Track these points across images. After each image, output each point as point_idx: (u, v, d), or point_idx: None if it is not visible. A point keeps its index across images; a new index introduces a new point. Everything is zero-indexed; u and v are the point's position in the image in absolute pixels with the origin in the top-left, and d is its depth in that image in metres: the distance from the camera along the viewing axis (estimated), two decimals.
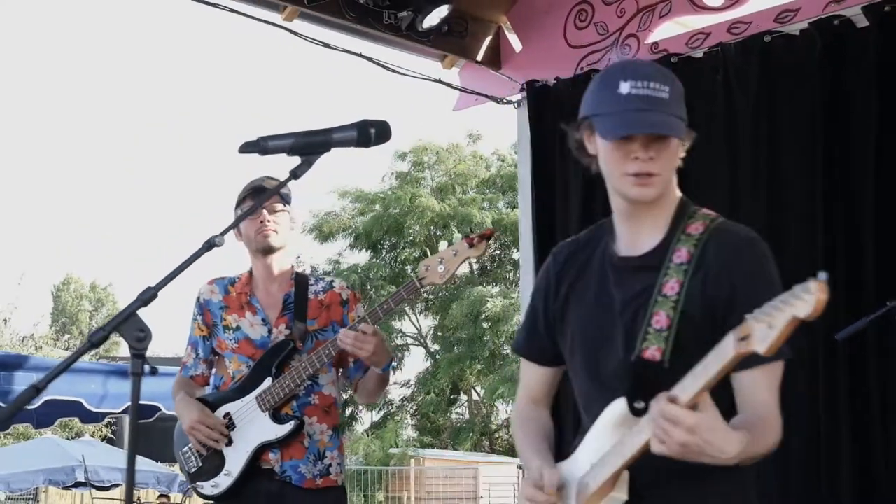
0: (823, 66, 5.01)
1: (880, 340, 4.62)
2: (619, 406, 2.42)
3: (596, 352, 2.55)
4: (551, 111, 5.99)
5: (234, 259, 4.32)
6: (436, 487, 23.65)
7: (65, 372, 2.29)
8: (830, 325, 3.95)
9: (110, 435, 22.70)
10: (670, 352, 2.39)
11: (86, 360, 12.39)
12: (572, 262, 2.70)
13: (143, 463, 15.91)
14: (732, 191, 5.28)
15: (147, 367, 3.42)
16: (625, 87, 2.46)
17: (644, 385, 2.36)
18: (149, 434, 9.73)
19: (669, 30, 5.75)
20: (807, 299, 1.98)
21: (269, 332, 4.09)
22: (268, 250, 4.09)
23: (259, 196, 3.96)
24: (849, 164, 4.95)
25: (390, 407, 27.94)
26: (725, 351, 2.13)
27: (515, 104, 6.28)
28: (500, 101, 6.34)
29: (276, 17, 5.57)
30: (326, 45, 5.75)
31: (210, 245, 2.33)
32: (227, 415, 4.05)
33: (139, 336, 2.21)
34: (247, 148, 2.54)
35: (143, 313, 2.22)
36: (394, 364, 4.39)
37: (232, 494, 4.03)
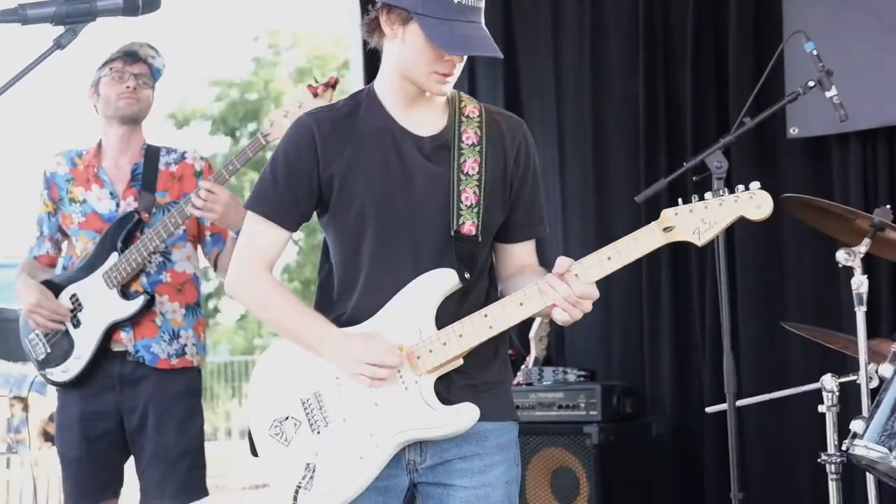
0: None
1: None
2: (437, 276, 2.55)
3: (396, 223, 2.59)
4: None
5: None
6: None
7: None
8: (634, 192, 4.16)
9: None
10: (481, 226, 2.58)
11: None
12: (339, 129, 2.62)
13: None
14: (557, 74, 5.53)
15: None
16: None
17: (466, 257, 2.57)
18: None
19: None
20: (762, 207, 2.43)
21: (118, 205, 3.91)
22: (127, 119, 3.93)
23: (131, 61, 3.90)
24: (669, 37, 5.30)
25: None
26: (651, 240, 2.46)
27: None
28: None
29: None
30: None
31: (57, 45, 2.22)
32: (73, 296, 3.88)
33: None
34: (5, 17, 2.36)
35: None
36: None
37: (83, 379, 3.84)
